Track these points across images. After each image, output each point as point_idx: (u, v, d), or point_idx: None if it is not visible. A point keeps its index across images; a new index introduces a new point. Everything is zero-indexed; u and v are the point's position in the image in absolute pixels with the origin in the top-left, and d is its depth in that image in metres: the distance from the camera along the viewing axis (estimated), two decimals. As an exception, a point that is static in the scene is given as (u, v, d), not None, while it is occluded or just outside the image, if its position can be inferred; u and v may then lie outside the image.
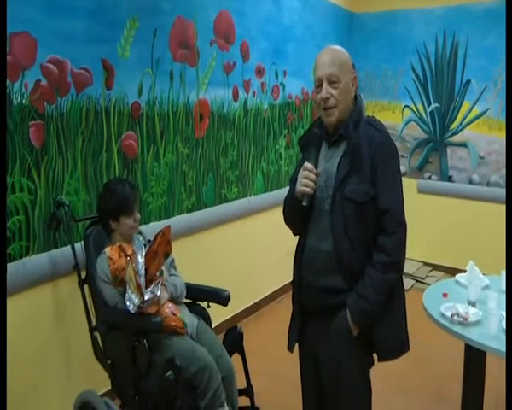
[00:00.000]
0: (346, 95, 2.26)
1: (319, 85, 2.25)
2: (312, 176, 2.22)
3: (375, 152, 2.21)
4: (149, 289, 2.72)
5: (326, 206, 2.26)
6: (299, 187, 2.24)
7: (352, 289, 2.22)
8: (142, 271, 2.74)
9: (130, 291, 2.69)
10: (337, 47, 2.32)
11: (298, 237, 2.45)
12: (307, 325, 2.43)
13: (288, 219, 2.47)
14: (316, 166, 2.25)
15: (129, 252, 2.75)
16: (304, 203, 2.24)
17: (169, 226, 2.85)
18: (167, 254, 2.90)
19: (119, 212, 2.92)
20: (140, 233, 3.14)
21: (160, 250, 2.79)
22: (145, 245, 3.02)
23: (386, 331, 2.29)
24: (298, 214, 2.34)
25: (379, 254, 2.20)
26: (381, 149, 2.22)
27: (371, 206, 2.20)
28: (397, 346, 2.35)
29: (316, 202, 2.28)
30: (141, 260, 2.77)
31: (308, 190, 2.22)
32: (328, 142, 2.34)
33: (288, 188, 2.49)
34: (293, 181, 2.40)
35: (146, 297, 2.68)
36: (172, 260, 3.14)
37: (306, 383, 2.56)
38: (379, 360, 2.33)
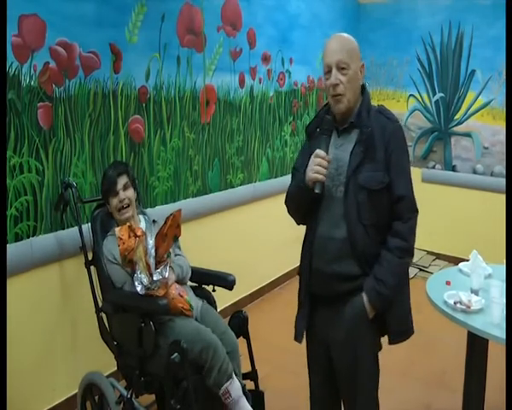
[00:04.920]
0: (354, 82, 2.24)
1: (328, 72, 2.23)
2: (325, 163, 2.19)
3: (388, 140, 2.23)
4: (158, 270, 2.74)
5: (338, 193, 2.25)
6: (312, 174, 2.20)
7: (366, 275, 2.23)
8: (153, 252, 2.76)
9: (139, 271, 2.71)
10: (346, 34, 2.31)
11: (302, 224, 2.44)
12: (317, 312, 2.40)
13: (294, 209, 2.45)
14: (326, 154, 2.24)
15: (138, 233, 2.76)
16: (316, 191, 2.20)
17: (180, 210, 2.85)
18: (176, 237, 2.92)
19: (108, 195, 2.95)
20: (144, 214, 3.16)
21: (169, 233, 2.80)
22: (151, 226, 3.05)
23: (399, 314, 2.32)
24: (306, 203, 2.32)
25: (395, 240, 2.22)
26: (394, 137, 2.25)
27: (384, 193, 2.22)
28: (407, 328, 2.37)
29: (325, 189, 2.26)
30: (151, 241, 2.78)
31: (320, 177, 2.19)
32: (337, 129, 2.32)
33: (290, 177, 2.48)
34: (297, 171, 2.39)
35: (155, 278, 2.71)
36: (177, 240, 3.14)
37: (315, 370, 2.53)
38: (390, 342, 2.33)
